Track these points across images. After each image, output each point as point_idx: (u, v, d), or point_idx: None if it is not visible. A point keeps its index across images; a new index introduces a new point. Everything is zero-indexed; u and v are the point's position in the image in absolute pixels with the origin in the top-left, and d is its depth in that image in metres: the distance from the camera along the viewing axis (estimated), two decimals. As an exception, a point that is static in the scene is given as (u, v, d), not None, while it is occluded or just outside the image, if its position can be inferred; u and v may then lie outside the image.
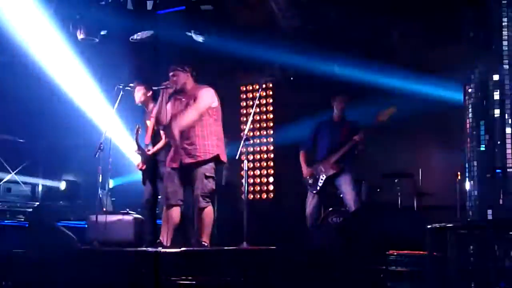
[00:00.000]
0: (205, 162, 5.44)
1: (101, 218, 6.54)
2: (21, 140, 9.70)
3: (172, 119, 5.54)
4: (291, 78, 8.58)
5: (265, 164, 9.14)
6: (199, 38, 7.70)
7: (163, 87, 5.51)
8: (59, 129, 9.30)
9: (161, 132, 6.33)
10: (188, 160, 5.46)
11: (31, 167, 9.58)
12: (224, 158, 5.59)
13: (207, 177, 5.43)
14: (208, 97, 5.55)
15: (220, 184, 7.17)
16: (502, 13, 3.99)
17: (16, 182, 9.29)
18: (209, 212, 5.50)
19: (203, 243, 5.43)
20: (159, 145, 6.43)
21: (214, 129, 5.52)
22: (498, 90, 4.73)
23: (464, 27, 4.36)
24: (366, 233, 4.29)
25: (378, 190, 7.15)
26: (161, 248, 5.35)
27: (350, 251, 4.06)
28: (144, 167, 6.49)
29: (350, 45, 7.66)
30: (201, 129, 5.48)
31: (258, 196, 9.05)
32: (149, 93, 6.49)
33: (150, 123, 6.46)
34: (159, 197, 6.48)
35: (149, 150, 6.48)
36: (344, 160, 6.61)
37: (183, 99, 5.60)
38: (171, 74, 5.60)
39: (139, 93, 6.52)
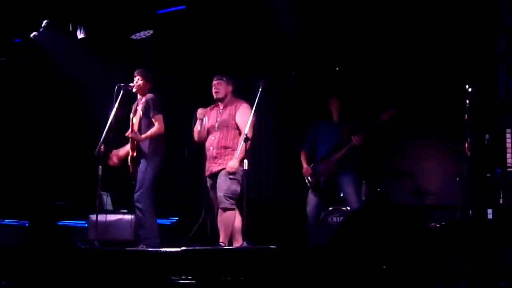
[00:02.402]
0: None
1: (101, 218, 6.53)
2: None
3: (210, 131, 5.90)
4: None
5: (265, 164, 9.12)
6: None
7: None
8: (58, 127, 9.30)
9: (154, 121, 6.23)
10: (215, 169, 5.80)
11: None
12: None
13: (231, 178, 5.67)
14: (248, 115, 5.76)
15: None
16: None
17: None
18: (231, 214, 5.67)
19: (220, 243, 5.59)
20: (150, 132, 6.18)
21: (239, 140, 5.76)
22: (499, 91, 4.73)
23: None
24: (366, 233, 4.28)
25: (378, 190, 7.14)
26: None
27: (350, 251, 4.05)
28: (134, 154, 6.21)
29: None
30: (225, 141, 5.83)
31: (258, 196, 9.03)
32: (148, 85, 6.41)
33: (136, 118, 6.30)
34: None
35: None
36: (347, 160, 6.59)
37: (221, 109, 5.95)
38: (215, 82, 5.93)
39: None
